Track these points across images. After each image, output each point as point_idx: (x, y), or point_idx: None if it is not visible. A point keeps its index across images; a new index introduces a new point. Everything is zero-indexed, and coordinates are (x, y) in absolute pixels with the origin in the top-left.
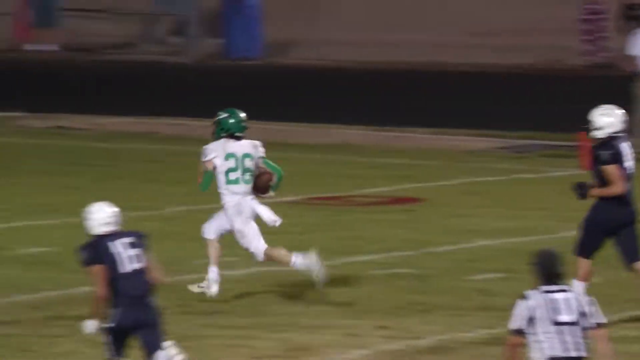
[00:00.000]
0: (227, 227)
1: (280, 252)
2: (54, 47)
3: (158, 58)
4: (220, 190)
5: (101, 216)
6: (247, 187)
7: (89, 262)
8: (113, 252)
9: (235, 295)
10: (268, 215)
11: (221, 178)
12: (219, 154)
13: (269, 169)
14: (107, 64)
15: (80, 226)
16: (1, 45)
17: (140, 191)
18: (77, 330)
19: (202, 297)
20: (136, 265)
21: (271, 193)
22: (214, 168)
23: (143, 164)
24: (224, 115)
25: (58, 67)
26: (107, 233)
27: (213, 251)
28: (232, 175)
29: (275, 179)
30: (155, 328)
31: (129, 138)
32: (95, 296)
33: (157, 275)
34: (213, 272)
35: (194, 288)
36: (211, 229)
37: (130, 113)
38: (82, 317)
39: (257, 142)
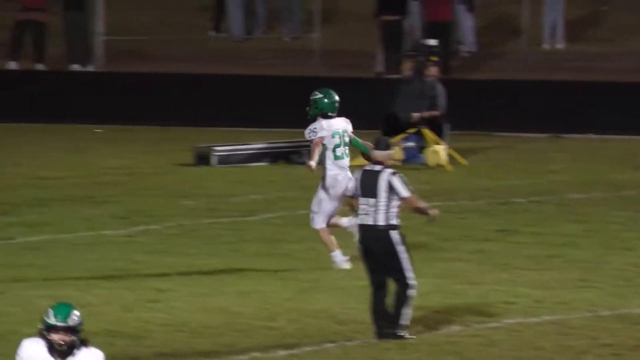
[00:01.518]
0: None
1: (331, 240)
2: None
3: None
4: (325, 165)
5: None
6: (349, 161)
7: None
8: None
9: None
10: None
11: (329, 155)
12: (326, 133)
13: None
14: None
15: None
16: None
17: None
18: None
19: None
20: None
21: None
22: (323, 145)
23: None
24: (319, 95)
25: None
26: None
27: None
28: (339, 151)
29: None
30: None
31: None
32: None
33: None
34: (352, 223)
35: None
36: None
37: None
38: None
39: (346, 119)
